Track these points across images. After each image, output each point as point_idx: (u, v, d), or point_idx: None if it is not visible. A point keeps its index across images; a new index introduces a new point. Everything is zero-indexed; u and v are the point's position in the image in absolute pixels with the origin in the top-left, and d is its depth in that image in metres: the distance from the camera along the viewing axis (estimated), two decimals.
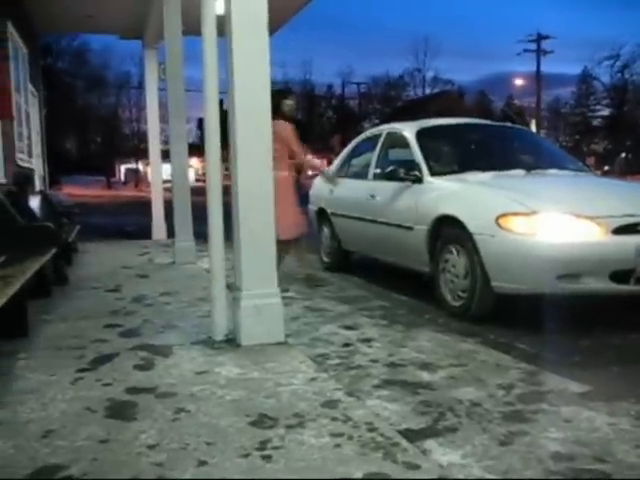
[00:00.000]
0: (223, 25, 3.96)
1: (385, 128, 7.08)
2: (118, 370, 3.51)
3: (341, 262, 7.42)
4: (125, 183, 57.73)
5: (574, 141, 56.80)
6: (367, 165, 6.85)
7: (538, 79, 44.84)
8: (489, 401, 3.07)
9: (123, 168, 63.92)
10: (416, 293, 5.77)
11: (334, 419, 2.74)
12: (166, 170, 9.38)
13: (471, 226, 4.77)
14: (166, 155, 8.60)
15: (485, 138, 6.70)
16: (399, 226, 5.75)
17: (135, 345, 4.03)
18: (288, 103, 6.35)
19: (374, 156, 6.75)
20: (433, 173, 5.63)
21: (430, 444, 2.60)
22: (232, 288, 4.14)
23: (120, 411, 2.88)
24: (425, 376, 3.47)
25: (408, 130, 6.30)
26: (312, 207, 8.03)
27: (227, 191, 4.00)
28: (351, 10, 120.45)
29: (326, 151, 61.07)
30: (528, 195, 4.79)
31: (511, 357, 3.82)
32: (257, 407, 2.89)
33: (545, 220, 4.45)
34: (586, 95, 58.58)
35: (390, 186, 6.01)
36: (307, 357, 3.73)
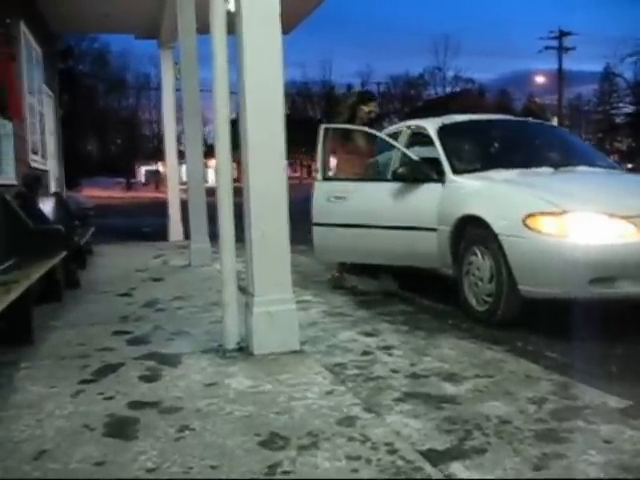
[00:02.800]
0: (234, 23, 3.76)
1: (406, 125, 6.73)
2: (122, 382, 3.32)
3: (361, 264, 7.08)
4: (145, 184, 57.83)
5: (597, 139, 56.03)
6: (387, 164, 6.52)
7: (560, 76, 44.32)
8: (519, 417, 2.82)
9: (143, 169, 64.07)
10: (439, 297, 5.53)
11: (351, 439, 2.52)
12: (184, 171, 9.24)
13: (496, 227, 4.51)
14: (184, 156, 8.45)
15: (510, 134, 6.43)
16: (421, 228, 5.41)
17: (143, 354, 3.83)
18: (364, 109, 6.22)
19: (394, 155, 6.40)
20: (456, 171, 5.34)
21: (456, 468, 2.36)
22: (245, 292, 3.93)
23: (120, 429, 2.68)
24: (449, 388, 3.23)
25: (430, 126, 5.99)
26: None
27: (240, 192, 3.81)
28: (369, 10, 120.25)
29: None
30: (557, 194, 4.51)
31: (541, 367, 3.57)
32: (268, 425, 2.68)
33: (576, 220, 4.20)
34: (609, 92, 57.88)
35: (412, 186, 5.59)
36: (323, 367, 3.51)
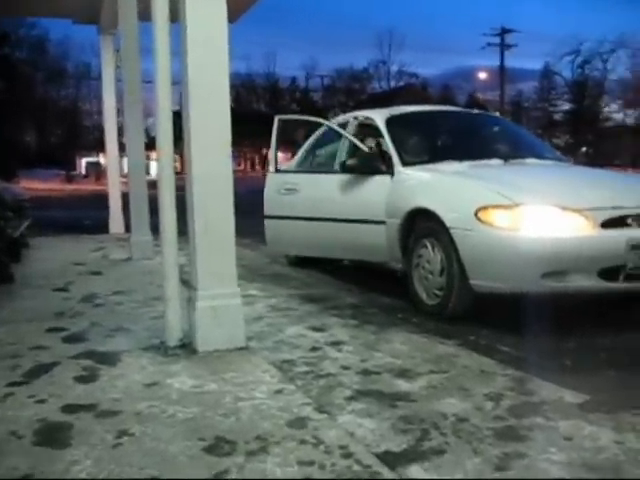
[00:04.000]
0: (177, 9, 3.54)
1: (352, 116, 6.58)
2: (56, 383, 3.09)
3: (307, 257, 6.87)
4: (86, 176, 56.49)
5: (536, 135, 57.11)
6: (333, 156, 6.37)
7: (502, 73, 44.93)
8: (477, 415, 2.71)
9: (84, 161, 62.62)
10: (385, 289, 5.42)
11: (303, 442, 2.37)
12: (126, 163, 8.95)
13: (447, 220, 4.41)
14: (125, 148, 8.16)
15: (459, 126, 6.34)
16: (370, 221, 5.32)
17: (79, 352, 3.60)
18: None
19: (342, 146, 6.24)
20: (405, 163, 5.23)
21: (415, 471, 2.22)
22: (188, 286, 3.74)
23: (52, 436, 2.47)
24: (403, 385, 3.10)
25: (378, 117, 5.86)
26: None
27: (182, 186, 3.61)
28: (314, 2, 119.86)
29: (289, 144, 60.87)
30: (509, 186, 4.42)
31: (495, 361, 3.47)
32: (213, 428, 2.50)
33: (529, 213, 4.11)
34: (548, 90, 59.02)
35: (360, 178, 5.53)
36: (271, 364, 3.35)
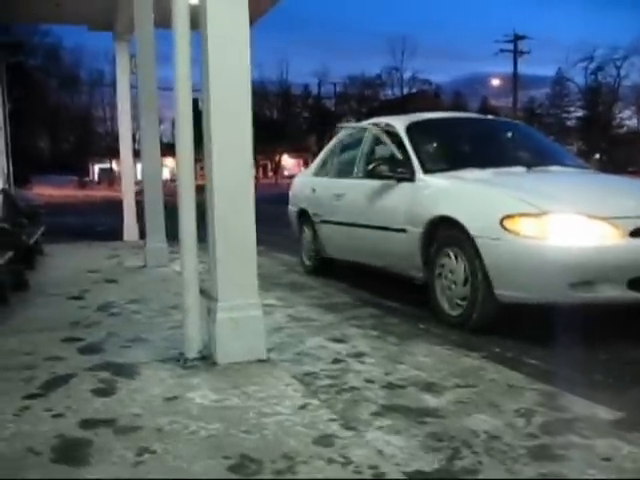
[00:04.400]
0: (197, 17, 3.47)
1: (372, 122, 6.51)
2: (73, 396, 3.01)
3: (325, 266, 6.87)
4: (99, 183, 56.78)
5: None
6: (352, 163, 6.36)
7: (515, 79, 44.77)
8: (509, 432, 2.62)
9: (97, 168, 62.88)
10: (406, 299, 5.33)
11: (331, 461, 2.28)
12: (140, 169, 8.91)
13: (472, 228, 4.31)
14: (139, 154, 8.12)
15: (480, 133, 6.22)
16: (389, 229, 5.27)
17: (96, 364, 3.52)
18: None
19: (360, 153, 6.24)
20: (426, 170, 5.14)
21: None
22: (207, 296, 3.66)
23: (70, 452, 2.38)
24: (430, 400, 3.00)
25: (398, 124, 5.79)
26: (292, 208, 7.52)
27: (202, 190, 3.53)
28: (327, 10, 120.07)
29: (302, 151, 60.91)
30: (535, 194, 4.31)
31: (523, 375, 3.36)
32: (237, 445, 2.41)
33: (556, 222, 4.01)
34: (560, 96, 58.84)
35: (378, 185, 5.50)
36: (293, 377, 3.26)
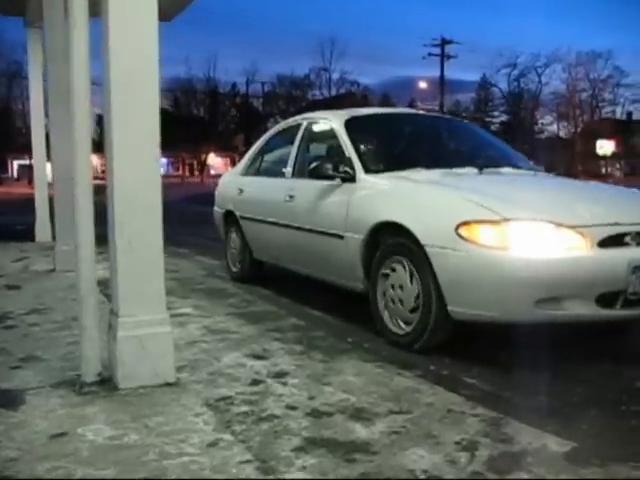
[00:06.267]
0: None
1: (305, 117, 6.00)
2: None
3: (253, 272, 6.36)
4: (18, 179, 54.66)
5: None
6: (284, 161, 5.83)
7: (441, 83, 45.27)
8: (450, 471, 2.29)
9: (16, 164, 60.52)
10: (334, 308, 4.98)
11: None
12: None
13: (422, 236, 3.83)
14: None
15: (424, 130, 5.75)
16: (325, 233, 4.77)
17: None
18: None
19: (293, 150, 5.71)
20: (368, 170, 4.65)
21: None
22: (108, 311, 3.21)
23: None
24: (360, 431, 2.64)
25: (335, 119, 5.28)
26: (218, 209, 6.95)
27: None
28: (256, 9, 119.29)
29: (229, 150, 60.11)
30: (494, 198, 3.84)
31: (462, 398, 3.04)
32: None
33: (520, 230, 3.56)
34: (485, 101, 59.96)
35: (313, 185, 5.01)
36: (205, 404, 2.86)
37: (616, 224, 3.65)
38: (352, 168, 4.68)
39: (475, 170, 4.73)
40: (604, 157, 50.22)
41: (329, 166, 4.74)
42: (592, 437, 2.65)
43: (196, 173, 59.45)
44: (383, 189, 4.46)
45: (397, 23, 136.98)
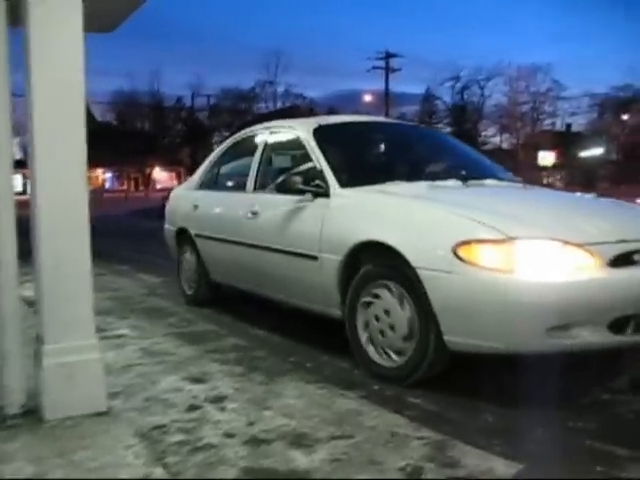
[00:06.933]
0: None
1: (267, 126, 5.51)
2: None
3: (210, 295, 5.85)
4: None
5: None
6: (244, 174, 5.34)
7: (386, 96, 45.67)
8: None
9: None
10: (277, 327, 4.85)
11: None
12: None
13: (414, 258, 3.41)
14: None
15: (398, 140, 5.34)
16: (295, 254, 4.30)
17: None
18: None
19: (254, 162, 5.22)
20: (343, 184, 4.18)
21: None
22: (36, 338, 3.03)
23: None
24: (300, 459, 2.53)
25: (301, 128, 4.83)
26: (169, 227, 6.41)
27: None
28: (201, 23, 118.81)
29: (175, 164, 59.49)
30: (493, 215, 3.45)
31: (407, 420, 2.95)
32: None
33: (527, 250, 3.19)
34: (429, 113, 60.67)
35: (280, 201, 4.54)
36: (137, 435, 2.71)
37: (623, 241, 3.34)
38: (324, 181, 4.23)
39: (459, 183, 4.36)
40: (545, 168, 51.22)
41: (298, 180, 4.29)
42: (538, 457, 2.59)
43: (141, 187, 58.60)
44: (363, 205, 4.04)
45: (342, 37, 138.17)
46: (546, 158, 51.23)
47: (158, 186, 55.88)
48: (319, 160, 4.40)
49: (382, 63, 45.39)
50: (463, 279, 3.21)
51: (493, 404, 3.24)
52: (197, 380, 3.54)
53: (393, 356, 3.59)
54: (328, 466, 2.47)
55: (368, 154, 5.09)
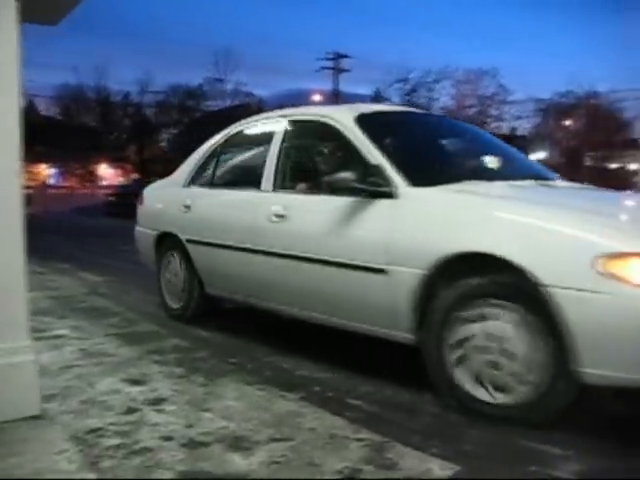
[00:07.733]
0: None
1: (283, 114, 4.72)
2: None
3: (202, 309, 5.09)
4: None
5: None
6: (253, 169, 4.63)
7: (336, 96, 45.81)
8: None
9: None
10: (219, 327, 4.81)
11: None
12: None
13: (543, 274, 2.82)
14: None
15: (446, 134, 4.75)
16: (346, 266, 3.61)
17: None
18: None
19: (271, 157, 4.44)
20: (415, 182, 3.52)
21: None
22: None
23: None
24: (238, 462, 2.50)
25: (342, 115, 4.10)
26: (145, 230, 5.64)
27: None
28: (150, 19, 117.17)
29: (121, 161, 58.60)
30: (624, 221, 3.11)
31: (346, 421, 2.95)
32: None
33: None
34: None
35: (320, 202, 3.96)
36: (71, 439, 2.65)
37: None
38: (384, 179, 3.55)
39: (533, 182, 3.91)
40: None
41: (350, 177, 3.62)
42: (475, 459, 2.61)
43: (87, 184, 57.58)
44: (452, 208, 3.36)
45: (292, 36, 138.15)
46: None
47: (104, 182, 55.00)
48: (372, 154, 3.71)
49: (332, 63, 45.54)
50: (609, 299, 2.69)
51: (432, 405, 3.26)
52: (136, 382, 3.48)
53: (502, 392, 2.99)
54: (266, 469, 2.45)
55: (426, 149, 4.32)
